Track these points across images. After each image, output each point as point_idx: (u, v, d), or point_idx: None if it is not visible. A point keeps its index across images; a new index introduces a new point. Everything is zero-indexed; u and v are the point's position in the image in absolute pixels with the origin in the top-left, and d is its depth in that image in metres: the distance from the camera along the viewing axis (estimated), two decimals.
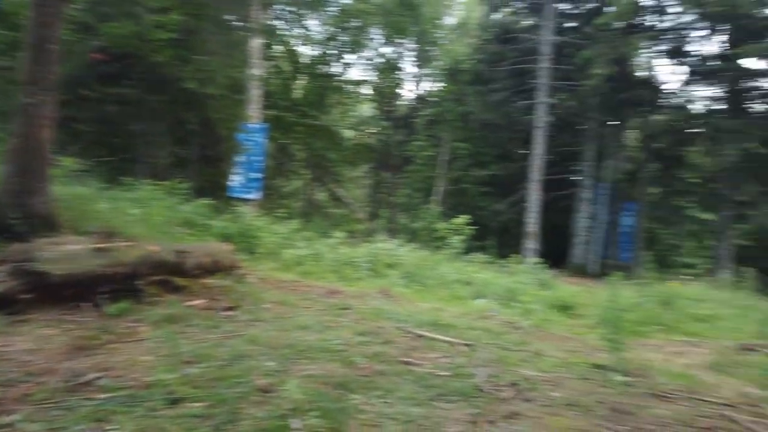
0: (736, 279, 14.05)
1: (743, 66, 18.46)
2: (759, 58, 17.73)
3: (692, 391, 4.47)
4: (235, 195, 13.83)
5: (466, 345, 5.12)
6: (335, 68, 22.94)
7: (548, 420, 3.38)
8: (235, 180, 14.14)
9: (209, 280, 5.83)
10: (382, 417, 3.11)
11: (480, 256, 12.75)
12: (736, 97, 19.15)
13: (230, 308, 5.21)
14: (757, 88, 19.20)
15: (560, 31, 20.32)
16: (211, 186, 14.55)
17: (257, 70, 14.64)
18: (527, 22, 22.02)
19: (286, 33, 20.72)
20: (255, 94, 14.69)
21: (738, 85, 19.01)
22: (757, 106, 19.59)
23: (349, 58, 22.86)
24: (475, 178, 22.71)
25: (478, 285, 9.77)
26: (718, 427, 3.62)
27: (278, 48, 20.76)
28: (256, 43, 14.54)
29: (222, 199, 12.94)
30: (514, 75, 21.00)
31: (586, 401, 3.83)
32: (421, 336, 5.25)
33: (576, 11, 21.65)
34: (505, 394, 3.81)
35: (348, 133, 25.78)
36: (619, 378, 4.49)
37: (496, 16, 23.50)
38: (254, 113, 14.61)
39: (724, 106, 19.43)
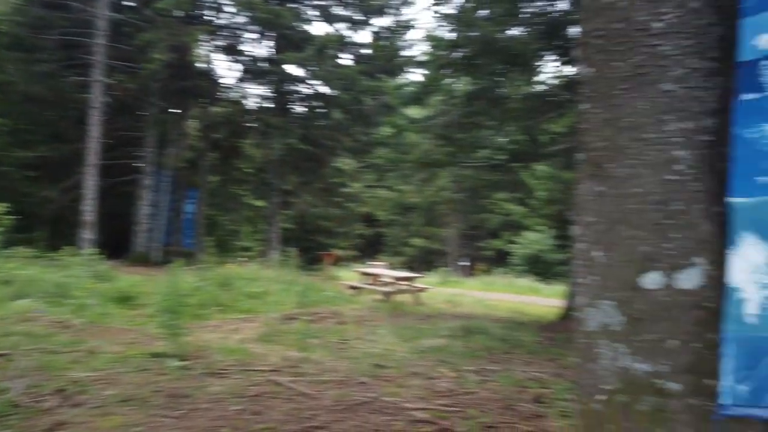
0: (283, 258, 16.03)
1: (287, 71, 21.06)
2: (298, 66, 20.49)
3: (245, 363, 4.87)
4: None
5: (1, 355, 4.36)
6: None
7: (99, 422, 3.14)
8: None
9: None
10: None
11: (24, 250, 11.20)
12: (282, 98, 21.73)
13: None
14: (297, 92, 22.22)
15: (118, 8, 19.16)
16: None
17: None
18: None
19: None
20: None
21: (283, 87, 21.59)
22: (298, 108, 22.73)
23: None
24: (17, 160, 19.43)
25: (21, 283, 8.50)
26: (266, 392, 4.03)
27: None
28: None
29: None
30: (66, 47, 18.81)
31: (142, 393, 3.73)
32: None
33: None
34: (48, 404, 3.39)
35: None
36: (177, 363, 4.54)
37: None
38: None
39: (273, 105, 21.75)
